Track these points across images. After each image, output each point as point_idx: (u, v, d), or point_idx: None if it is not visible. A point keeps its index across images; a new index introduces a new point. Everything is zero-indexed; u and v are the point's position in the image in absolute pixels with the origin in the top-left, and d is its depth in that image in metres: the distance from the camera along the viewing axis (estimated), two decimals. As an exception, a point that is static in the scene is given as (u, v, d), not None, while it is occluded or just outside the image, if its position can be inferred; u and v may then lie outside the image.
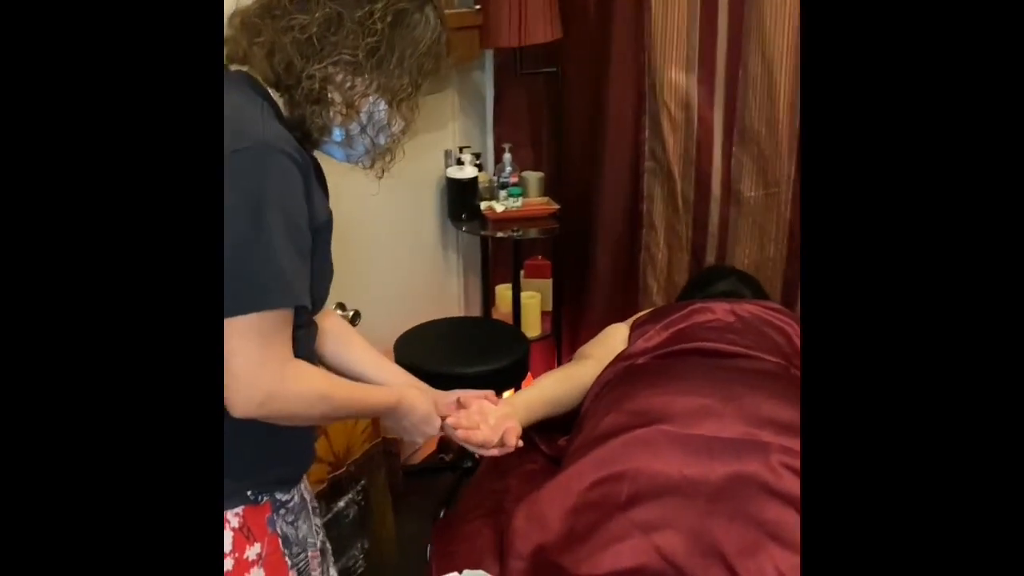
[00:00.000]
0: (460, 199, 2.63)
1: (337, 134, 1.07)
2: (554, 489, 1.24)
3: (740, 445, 1.21)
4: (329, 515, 2.01)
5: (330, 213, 1.10)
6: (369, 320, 2.36)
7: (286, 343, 1.01)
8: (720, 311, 1.61)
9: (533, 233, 2.64)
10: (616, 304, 2.65)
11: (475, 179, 2.63)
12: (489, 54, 2.77)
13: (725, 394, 1.30)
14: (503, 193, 2.67)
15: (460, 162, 2.65)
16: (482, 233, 2.63)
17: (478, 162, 2.71)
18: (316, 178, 1.13)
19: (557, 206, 2.67)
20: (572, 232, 2.70)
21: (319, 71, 1.01)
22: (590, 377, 1.52)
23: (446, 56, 1.12)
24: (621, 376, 1.47)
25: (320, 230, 1.07)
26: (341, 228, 2.21)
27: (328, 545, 1.32)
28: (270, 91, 1.05)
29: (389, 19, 1.02)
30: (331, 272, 1.18)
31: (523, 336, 2.42)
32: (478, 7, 2.47)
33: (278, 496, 1.12)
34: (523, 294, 2.72)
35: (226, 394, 0.96)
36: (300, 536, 1.17)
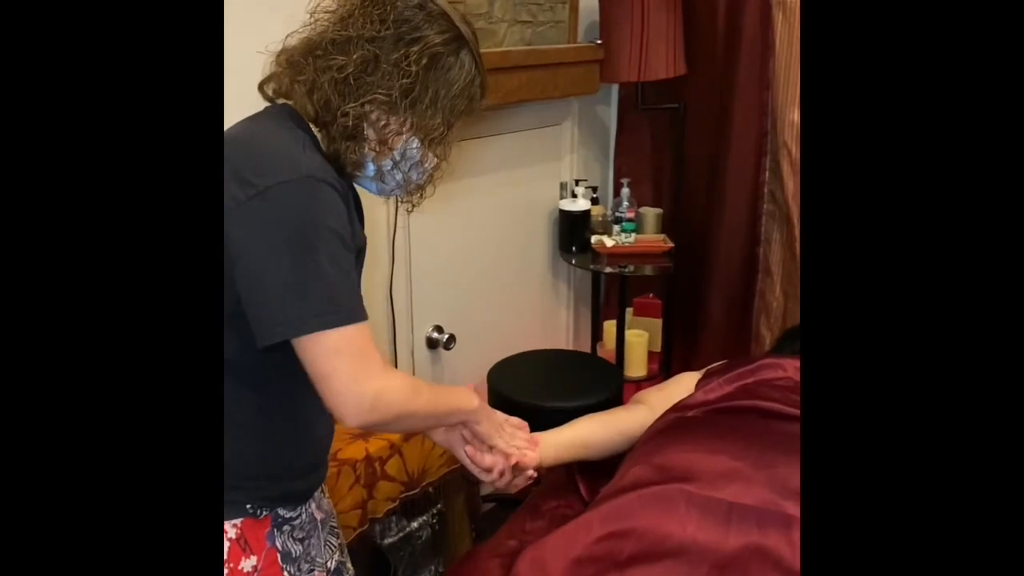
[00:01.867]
0: (571, 231, 2.65)
1: (370, 169, 1.12)
2: (561, 537, 1.22)
3: (763, 515, 1.15)
4: (400, 534, 2.07)
5: (365, 240, 1.16)
6: (465, 345, 2.43)
7: (376, 351, 1.07)
8: (791, 369, 1.53)
9: (648, 270, 2.61)
10: (727, 351, 2.56)
11: (587, 212, 2.64)
12: (614, 88, 2.77)
13: (761, 459, 1.24)
14: (616, 228, 2.66)
15: (574, 195, 2.66)
16: (591, 267, 2.62)
17: (595, 195, 2.71)
18: (355, 207, 1.19)
19: (671, 244, 2.63)
20: (685, 272, 2.65)
21: (354, 109, 1.07)
22: (635, 424, 1.49)
23: (480, 98, 1.16)
24: (667, 427, 1.42)
25: (359, 252, 1.12)
26: (445, 252, 2.30)
27: (349, 566, 1.35)
28: (310, 126, 1.11)
29: (424, 62, 1.07)
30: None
31: (618, 374, 2.39)
32: (599, 42, 2.48)
33: (281, 512, 1.15)
34: (630, 332, 2.69)
35: (336, 410, 1.05)
36: (311, 554, 1.21)
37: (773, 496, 1.17)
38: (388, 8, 1.08)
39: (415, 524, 2.11)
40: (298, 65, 1.10)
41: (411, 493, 2.04)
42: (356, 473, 1.87)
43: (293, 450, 1.15)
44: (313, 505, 1.22)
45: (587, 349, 2.88)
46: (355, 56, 1.06)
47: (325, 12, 1.12)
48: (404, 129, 1.10)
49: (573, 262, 2.66)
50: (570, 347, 2.88)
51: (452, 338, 2.36)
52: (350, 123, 1.07)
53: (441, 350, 2.38)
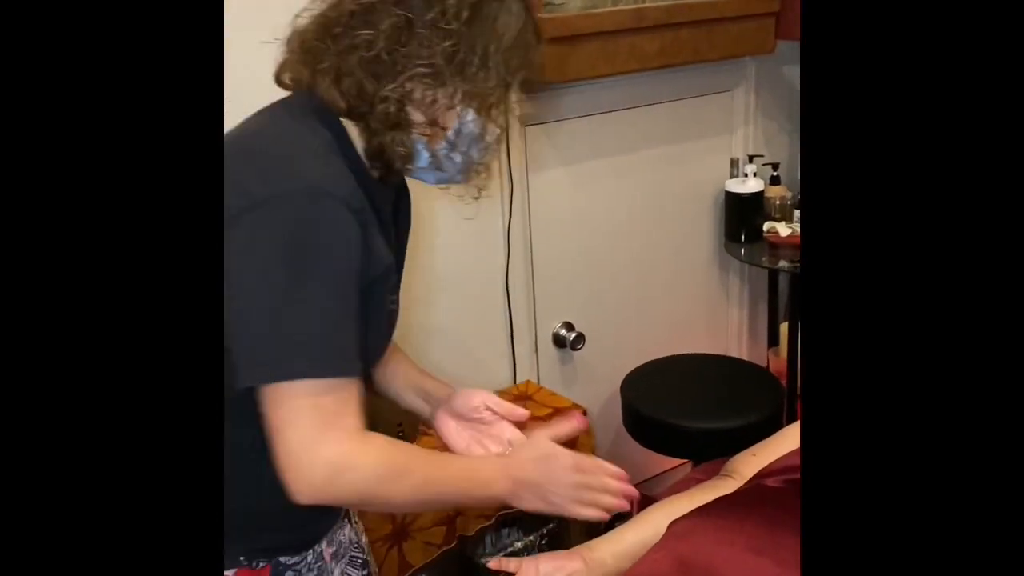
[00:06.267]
0: (738, 217, 2.37)
1: (423, 158, 1.00)
2: None
3: None
4: (501, 555, 1.96)
5: (392, 260, 1.01)
6: (601, 345, 2.25)
7: (350, 412, 0.92)
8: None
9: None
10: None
11: (759, 194, 2.34)
12: (804, 45, 2.43)
13: None
14: (797, 213, 2.33)
15: (746, 173, 2.36)
16: (763, 263, 2.32)
17: (775, 173, 2.40)
18: (391, 218, 1.08)
19: (865, 234, 2.26)
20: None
21: (394, 91, 0.94)
22: None
23: (536, 45, 1.00)
24: (736, 499, 1.17)
25: (376, 281, 0.98)
26: (580, 239, 2.13)
27: None
28: (341, 121, 0.99)
29: (465, 15, 0.93)
30: (391, 321, 1.10)
31: (778, 387, 2.11)
32: (776, -10, 2.18)
33: (283, 559, 1.07)
34: (809, 338, 2.36)
35: (285, 475, 0.90)
36: None
37: None
38: None
39: (519, 544, 1.99)
40: (316, 51, 0.97)
41: (510, 511, 1.92)
42: (438, 486, 1.78)
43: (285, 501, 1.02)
44: (323, 544, 1.13)
45: (764, 355, 2.58)
46: (383, 26, 0.93)
47: None
48: (455, 101, 0.96)
49: (742, 252, 2.37)
50: (743, 352, 2.60)
51: (580, 337, 2.19)
52: (392, 108, 0.94)
53: (569, 350, 2.21)
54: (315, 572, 1.11)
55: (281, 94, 1.04)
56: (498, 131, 1.01)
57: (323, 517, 1.12)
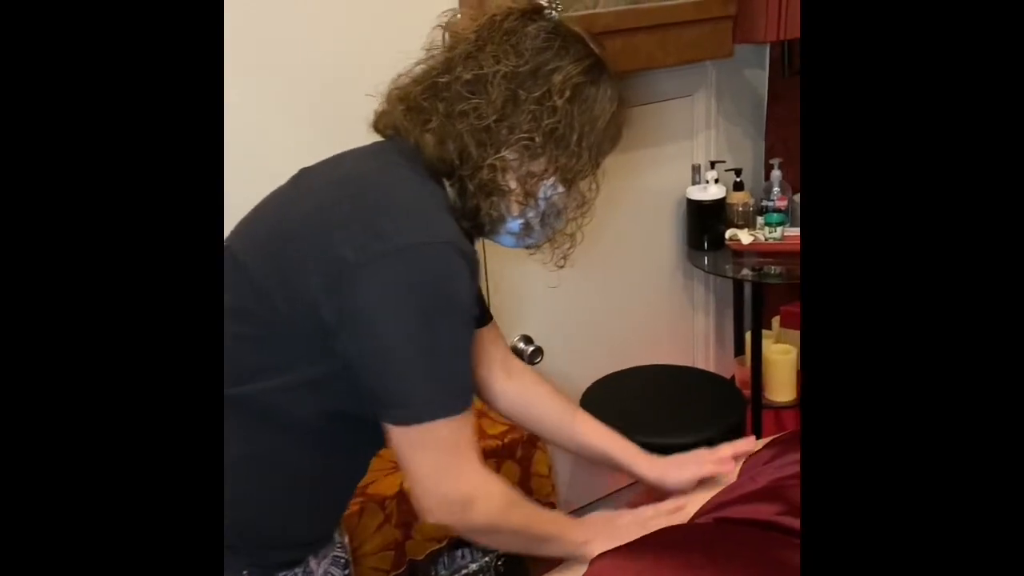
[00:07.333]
0: (700, 225, 2.33)
1: (514, 225, 1.07)
2: None
3: None
4: (455, 576, 1.92)
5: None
6: (561, 359, 2.20)
7: (474, 444, 1.02)
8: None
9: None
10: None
11: (721, 201, 2.30)
12: (765, 50, 2.40)
13: None
14: (760, 220, 2.30)
15: (708, 180, 2.33)
16: (726, 270, 2.28)
17: (738, 179, 2.36)
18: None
19: (829, 241, 2.22)
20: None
21: (496, 159, 1.00)
22: None
23: (621, 130, 1.09)
24: (660, 537, 1.11)
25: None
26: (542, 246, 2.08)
27: None
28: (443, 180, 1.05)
29: (568, 94, 1.00)
30: None
31: (741, 399, 2.06)
32: (732, -7, 2.14)
33: (278, 574, 1.11)
34: (774, 347, 2.33)
35: (422, 502, 1.00)
36: None
37: None
38: (522, 37, 1.01)
39: (475, 566, 1.94)
40: (423, 110, 1.03)
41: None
42: (385, 512, 1.74)
43: (307, 523, 1.12)
44: (311, 562, 1.16)
45: (732, 364, 2.55)
46: (494, 97, 0.99)
47: (436, 49, 1.07)
48: (548, 174, 1.03)
49: (705, 261, 2.33)
50: (710, 362, 2.56)
51: (538, 351, 2.14)
52: (494, 176, 1.01)
53: (527, 364, 2.16)
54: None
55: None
56: (585, 204, 1.09)
57: (327, 539, 1.17)
